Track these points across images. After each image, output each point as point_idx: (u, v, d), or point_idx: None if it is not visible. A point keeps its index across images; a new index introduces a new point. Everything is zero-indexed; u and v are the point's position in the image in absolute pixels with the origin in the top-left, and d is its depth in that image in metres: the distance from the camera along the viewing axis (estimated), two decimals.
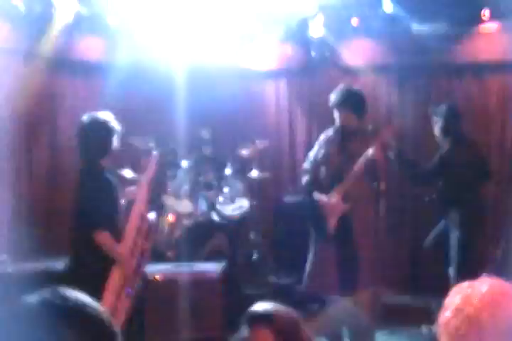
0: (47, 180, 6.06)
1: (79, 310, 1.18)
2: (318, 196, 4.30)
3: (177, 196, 6.08)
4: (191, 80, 6.16)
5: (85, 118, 3.80)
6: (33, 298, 1.19)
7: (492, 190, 5.82)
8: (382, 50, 6.53)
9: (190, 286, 4.88)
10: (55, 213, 5.99)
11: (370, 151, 4.11)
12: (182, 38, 6.30)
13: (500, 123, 6.24)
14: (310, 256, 4.43)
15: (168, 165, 6.16)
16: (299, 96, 7.00)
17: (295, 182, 6.40)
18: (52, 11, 5.62)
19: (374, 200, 4.29)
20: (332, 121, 4.48)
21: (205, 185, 6.25)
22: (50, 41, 5.78)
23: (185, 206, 6.00)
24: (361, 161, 4.14)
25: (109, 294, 3.59)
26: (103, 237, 3.58)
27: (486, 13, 5.91)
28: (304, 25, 6.46)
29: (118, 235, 3.70)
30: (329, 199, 4.24)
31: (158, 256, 5.52)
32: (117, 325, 3.60)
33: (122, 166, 5.34)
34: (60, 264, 4.82)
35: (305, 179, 4.48)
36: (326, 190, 4.29)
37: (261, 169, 6.34)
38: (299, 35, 6.63)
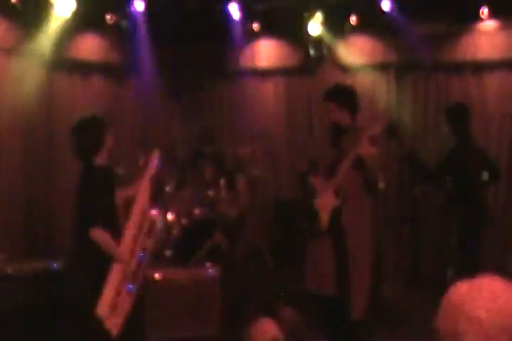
0: (44, 180, 6.05)
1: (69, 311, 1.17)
2: (311, 178, 4.32)
3: (176, 194, 6.07)
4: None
5: (78, 118, 3.89)
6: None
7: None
8: (380, 48, 6.52)
9: (189, 285, 4.88)
10: (54, 213, 5.98)
11: (358, 147, 4.10)
12: None
13: (498, 121, 6.24)
14: (307, 254, 4.43)
15: (167, 163, 6.15)
16: (297, 94, 7.00)
17: (294, 180, 6.39)
18: (49, 9, 5.60)
19: (368, 197, 4.27)
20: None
21: (204, 183, 6.24)
22: (47, 39, 5.77)
23: (183, 205, 5.99)
24: (349, 157, 4.13)
25: (109, 291, 3.60)
26: (99, 234, 3.59)
27: (484, 11, 5.91)
28: (302, 23, 6.45)
29: (117, 232, 3.71)
30: (321, 195, 4.24)
31: (157, 255, 5.51)
32: (118, 323, 3.59)
33: (117, 163, 5.33)
34: (58, 264, 4.82)
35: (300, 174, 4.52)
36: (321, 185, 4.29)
37: (259, 168, 6.33)
38: (297, 33, 6.62)
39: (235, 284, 5.57)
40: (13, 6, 5.42)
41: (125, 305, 3.69)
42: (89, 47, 6.34)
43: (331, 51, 6.68)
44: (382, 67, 6.59)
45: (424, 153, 6.34)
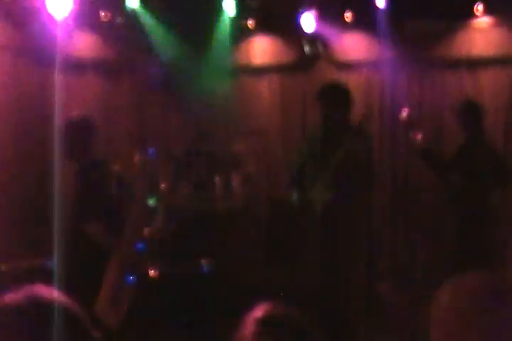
0: (39, 178, 6.03)
1: (54, 310, 1.18)
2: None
3: (171, 192, 6.07)
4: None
5: (68, 119, 4.03)
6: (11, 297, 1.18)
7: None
8: (375, 44, 6.52)
9: (185, 282, 4.88)
10: (48, 210, 5.96)
11: (349, 142, 4.11)
12: None
13: (493, 117, 6.24)
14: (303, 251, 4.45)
15: (161, 160, 6.15)
16: (292, 91, 6.99)
17: (289, 177, 6.39)
18: (43, 5, 5.58)
19: (361, 193, 4.28)
20: None
21: (199, 180, 6.24)
22: (42, 37, 5.75)
23: (179, 202, 5.99)
24: (340, 152, 4.14)
25: (108, 286, 3.62)
26: (93, 228, 3.64)
27: (479, 7, 5.92)
28: (297, 19, 6.44)
29: (113, 225, 3.76)
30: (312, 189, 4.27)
31: (153, 252, 5.51)
32: (119, 316, 3.60)
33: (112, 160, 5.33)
34: (52, 262, 4.80)
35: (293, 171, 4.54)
36: (310, 181, 4.31)
37: (254, 165, 6.33)
38: (292, 30, 6.61)
39: (231, 282, 5.57)
40: (8, 2, 5.40)
41: (126, 297, 3.72)
42: (84, 44, 6.31)
43: (326, 48, 6.67)
44: (377, 63, 6.59)
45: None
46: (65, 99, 6.14)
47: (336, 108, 4.27)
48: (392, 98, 6.53)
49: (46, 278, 4.66)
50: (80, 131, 3.90)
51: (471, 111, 5.13)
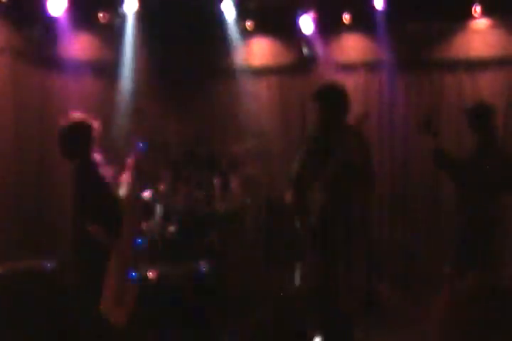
0: (37, 179, 6.03)
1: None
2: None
3: (170, 194, 6.07)
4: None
5: (66, 120, 4.03)
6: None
7: None
8: (374, 46, 6.53)
9: (183, 283, 4.88)
10: (45, 212, 5.96)
11: (345, 143, 4.11)
12: None
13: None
14: (302, 253, 4.45)
15: (160, 161, 6.16)
16: (291, 92, 6.99)
17: (287, 178, 6.40)
18: (41, 7, 5.58)
19: (358, 194, 4.27)
20: None
21: (199, 182, 6.24)
22: (40, 39, 5.75)
23: (178, 203, 5.99)
24: (337, 154, 4.13)
25: (110, 283, 3.64)
26: (92, 228, 3.66)
27: (477, 9, 5.92)
28: (295, 21, 6.45)
29: (111, 224, 3.77)
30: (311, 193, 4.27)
31: (151, 254, 5.50)
32: (124, 313, 3.60)
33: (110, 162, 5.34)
34: (50, 264, 4.81)
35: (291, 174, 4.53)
36: (308, 184, 4.31)
37: (253, 166, 6.33)
38: (290, 32, 6.62)
39: (231, 283, 5.57)
40: (6, 4, 5.40)
41: (130, 293, 3.73)
42: (82, 46, 6.31)
43: (325, 50, 6.68)
44: (375, 65, 6.59)
45: (418, 150, 6.37)
46: (64, 100, 6.16)
47: (333, 109, 4.26)
48: (390, 99, 6.54)
49: (46, 279, 4.67)
50: (79, 132, 3.92)
51: (483, 114, 5.08)
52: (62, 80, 6.27)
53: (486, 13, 5.97)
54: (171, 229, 5.89)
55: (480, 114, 4.97)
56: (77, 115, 4.11)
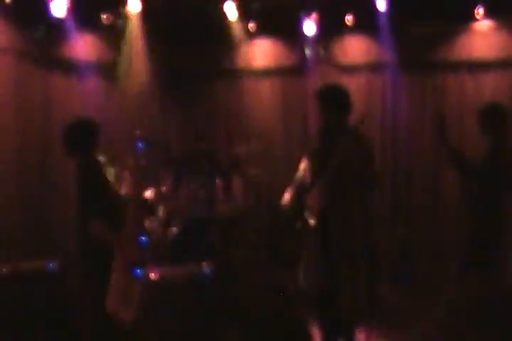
0: (41, 179, 6.03)
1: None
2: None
3: (172, 194, 6.07)
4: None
5: (70, 120, 4.06)
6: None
7: None
8: (376, 47, 6.53)
9: (184, 285, 4.88)
10: (48, 212, 5.97)
11: (340, 147, 4.11)
12: None
13: None
14: (304, 254, 4.45)
15: (161, 162, 6.17)
16: (294, 94, 7.00)
17: (290, 179, 6.40)
18: (44, 8, 5.59)
19: (356, 196, 4.26)
20: None
21: (201, 183, 6.24)
22: (43, 39, 5.76)
23: (180, 204, 5.99)
24: (335, 157, 4.13)
25: (116, 282, 3.66)
26: (96, 226, 3.68)
27: (479, 11, 5.93)
28: (298, 22, 6.46)
29: (115, 222, 3.79)
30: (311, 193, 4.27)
31: (153, 255, 5.50)
32: (131, 311, 3.61)
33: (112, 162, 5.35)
34: (55, 264, 4.81)
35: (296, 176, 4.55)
36: (310, 185, 4.32)
37: (256, 167, 6.33)
38: (293, 33, 6.62)
39: (233, 284, 5.57)
40: (9, 5, 5.41)
41: (136, 291, 3.75)
42: (85, 46, 6.32)
43: (327, 51, 6.68)
44: (378, 66, 6.60)
45: (421, 151, 6.37)
46: (67, 100, 6.17)
47: (335, 110, 4.26)
48: (392, 100, 6.54)
49: (48, 279, 4.68)
50: (82, 131, 3.94)
51: (495, 115, 5.06)
52: (65, 81, 6.27)
53: (488, 14, 5.97)
54: (173, 230, 5.89)
55: (494, 115, 4.96)
56: (80, 115, 4.15)
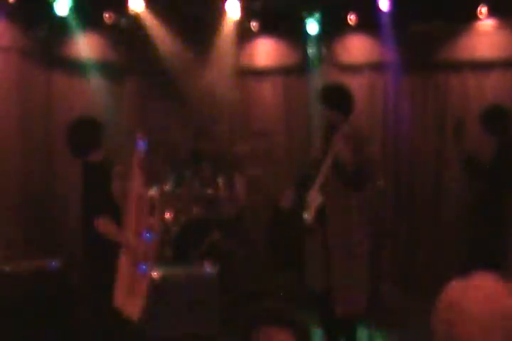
0: (43, 178, 6.04)
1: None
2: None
3: (174, 193, 6.08)
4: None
5: (73, 118, 4.10)
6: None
7: None
8: (379, 47, 6.52)
9: (187, 284, 4.89)
10: (52, 211, 5.98)
11: (333, 146, 4.12)
12: None
13: None
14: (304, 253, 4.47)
15: (164, 161, 6.18)
16: (296, 93, 7.00)
17: (291, 179, 6.40)
18: (48, 7, 5.60)
19: (356, 195, 4.27)
20: None
21: (202, 182, 6.25)
22: (46, 38, 5.77)
23: (182, 203, 6.00)
24: (330, 156, 4.15)
25: (121, 278, 3.68)
26: (103, 224, 3.71)
27: (483, 10, 5.91)
28: (300, 22, 6.45)
29: (119, 221, 3.84)
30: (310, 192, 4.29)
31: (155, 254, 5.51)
32: (137, 307, 3.63)
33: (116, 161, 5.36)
34: (57, 262, 4.83)
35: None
36: (311, 184, 4.33)
37: (258, 166, 6.34)
38: (295, 33, 6.62)
39: (234, 283, 5.58)
40: (12, 4, 5.42)
41: (141, 286, 3.78)
42: (89, 46, 6.32)
43: (330, 50, 6.68)
44: (380, 66, 6.59)
45: (423, 152, 6.36)
46: (70, 99, 6.18)
47: (337, 109, 4.27)
48: (395, 100, 6.53)
49: (51, 278, 4.70)
50: (86, 130, 3.95)
51: (499, 116, 5.04)
52: (68, 80, 6.28)
53: (491, 14, 5.95)
54: (175, 229, 5.90)
55: (498, 117, 4.95)
56: (83, 114, 4.16)
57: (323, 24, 6.44)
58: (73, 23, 5.87)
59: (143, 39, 6.41)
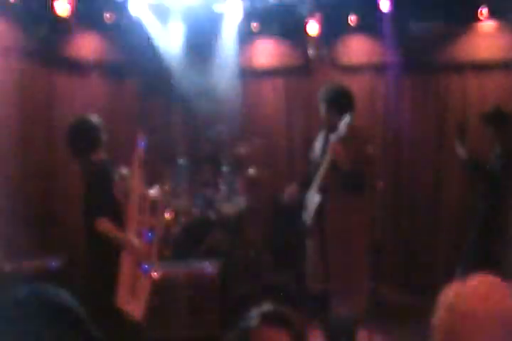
0: (43, 178, 6.05)
1: (58, 310, 1.19)
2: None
3: (174, 193, 6.08)
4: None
5: (74, 119, 4.12)
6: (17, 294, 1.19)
7: None
8: (379, 48, 6.52)
9: (187, 284, 4.89)
10: (52, 211, 5.98)
11: (330, 148, 4.13)
12: None
13: None
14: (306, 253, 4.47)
15: (165, 162, 6.17)
16: (296, 94, 7.00)
17: (292, 180, 6.40)
18: (48, 7, 5.60)
19: (355, 196, 4.27)
20: None
21: (203, 182, 6.25)
22: (47, 39, 5.77)
23: (182, 203, 6.00)
24: (328, 156, 4.15)
25: (124, 278, 3.68)
26: (104, 224, 3.71)
27: (483, 11, 5.92)
28: (301, 22, 6.45)
29: (120, 221, 3.84)
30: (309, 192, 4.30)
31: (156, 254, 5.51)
32: (139, 306, 3.63)
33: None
34: (57, 262, 4.83)
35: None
36: (311, 184, 4.34)
37: (258, 167, 6.34)
38: (296, 33, 6.62)
39: (234, 283, 5.58)
40: (13, 4, 5.42)
41: (144, 286, 3.78)
42: (89, 46, 6.33)
43: (330, 51, 6.68)
44: (381, 67, 6.59)
45: (423, 152, 6.36)
46: (71, 100, 6.19)
47: (338, 110, 4.27)
48: (395, 101, 6.54)
49: (52, 278, 4.70)
50: (87, 131, 3.95)
51: (499, 118, 5.05)
52: (69, 80, 6.29)
53: (492, 15, 5.96)
54: (175, 229, 5.90)
55: (498, 118, 4.97)
56: (84, 114, 4.16)
57: (324, 25, 6.44)
58: (74, 23, 5.86)
59: (143, 39, 6.41)
